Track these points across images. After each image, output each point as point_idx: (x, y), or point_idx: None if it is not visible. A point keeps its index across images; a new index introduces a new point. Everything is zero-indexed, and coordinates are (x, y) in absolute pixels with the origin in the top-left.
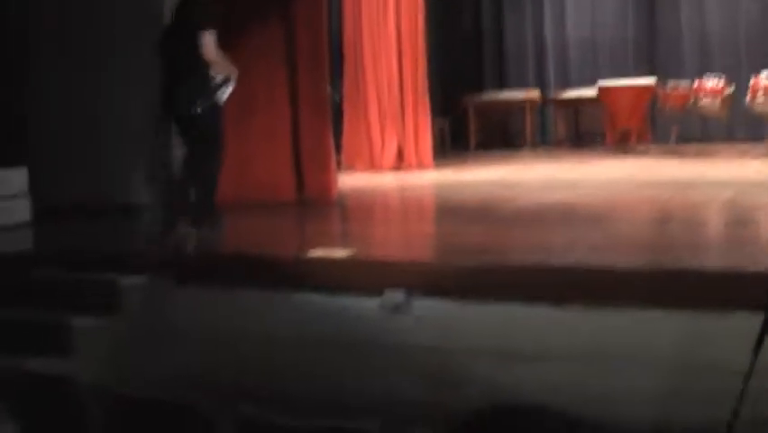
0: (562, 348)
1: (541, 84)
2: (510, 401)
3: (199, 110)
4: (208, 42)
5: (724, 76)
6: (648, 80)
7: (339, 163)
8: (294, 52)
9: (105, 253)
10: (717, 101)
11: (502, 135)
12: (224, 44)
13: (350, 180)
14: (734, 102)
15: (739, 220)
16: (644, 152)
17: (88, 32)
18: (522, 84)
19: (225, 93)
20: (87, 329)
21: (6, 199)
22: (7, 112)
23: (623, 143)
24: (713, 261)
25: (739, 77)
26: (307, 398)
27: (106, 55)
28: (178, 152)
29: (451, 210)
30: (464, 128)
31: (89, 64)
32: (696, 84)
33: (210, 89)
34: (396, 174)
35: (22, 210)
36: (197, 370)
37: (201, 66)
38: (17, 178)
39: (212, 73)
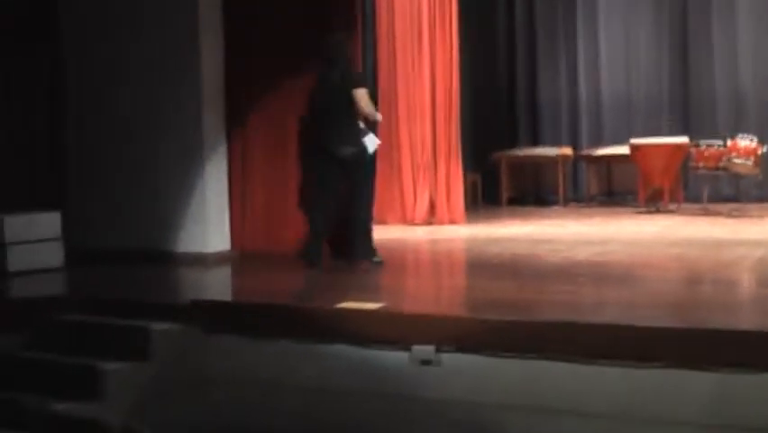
0: (592, 406)
1: (574, 141)
2: None
3: (349, 153)
4: (363, 97)
5: (757, 136)
6: (681, 139)
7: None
8: None
9: (137, 300)
10: (751, 161)
11: (534, 191)
12: (258, 101)
13: (382, 234)
14: (766, 162)
15: None
16: (676, 211)
17: (132, 78)
18: (555, 141)
19: (373, 143)
20: (117, 374)
21: (39, 243)
22: (46, 156)
23: (654, 202)
24: (744, 321)
25: None
26: None
27: (148, 103)
28: None
29: (481, 265)
30: (496, 183)
31: (131, 110)
32: (729, 143)
33: (358, 137)
34: (427, 228)
35: (54, 254)
36: (226, 418)
37: (351, 115)
38: (50, 222)
39: (361, 124)
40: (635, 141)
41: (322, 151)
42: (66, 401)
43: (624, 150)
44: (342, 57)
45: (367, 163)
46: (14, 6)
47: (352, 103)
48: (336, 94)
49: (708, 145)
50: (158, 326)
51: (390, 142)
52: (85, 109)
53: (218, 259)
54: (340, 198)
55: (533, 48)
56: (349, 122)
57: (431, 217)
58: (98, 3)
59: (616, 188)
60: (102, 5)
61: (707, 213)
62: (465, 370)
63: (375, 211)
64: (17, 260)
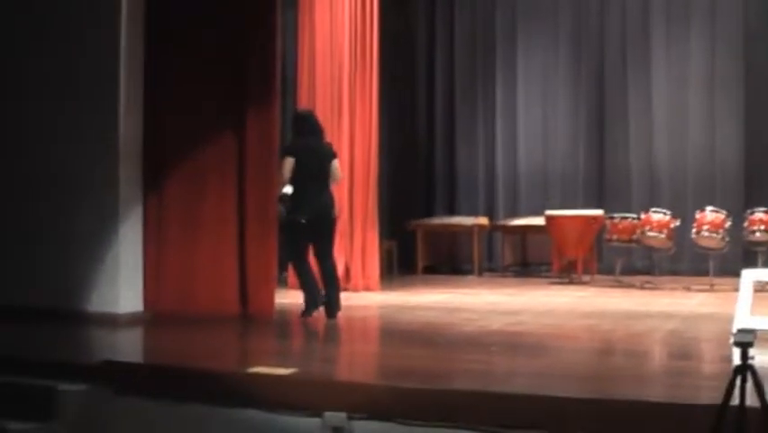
0: None
1: (490, 211)
2: None
3: (336, 215)
4: (338, 165)
5: (670, 210)
6: (595, 211)
7: (285, 281)
8: (244, 170)
9: (44, 359)
10: (663, 234)
11: (449, 260)
12: (175, 161)
13: (297, 298)
14: (679, 236)
15: (681, 352)
16: (589, 283)
17: (48, 135)
18: (471, 211)
19: None
20: None
21: None
22: None
23: (568, 273)
24: (654, 392)
25: (685, 211)
26: None
27: (64, 160)
28: None
29: (394, 333)
30: (412, 251)
31: (46, 168)
32: (643, 217)
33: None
34: (342, 295)
35: None
36: None
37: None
38: None
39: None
40: (549, 212)
41: (317, 215)
42: None
43: (539, 221)
44: (321, 128)
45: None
46: None
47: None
48: (326, 162)
49: (623, 218)
50: (66, 386)
51: None
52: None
53: (130, 320)
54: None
55: (451, 118)
56: (329, 186)
57: (345, 284)
58: (18, 69)
59: (530, 259)
60: (22, 71)
61: (620, 285)
62: None
63: (290, 277)
64: None
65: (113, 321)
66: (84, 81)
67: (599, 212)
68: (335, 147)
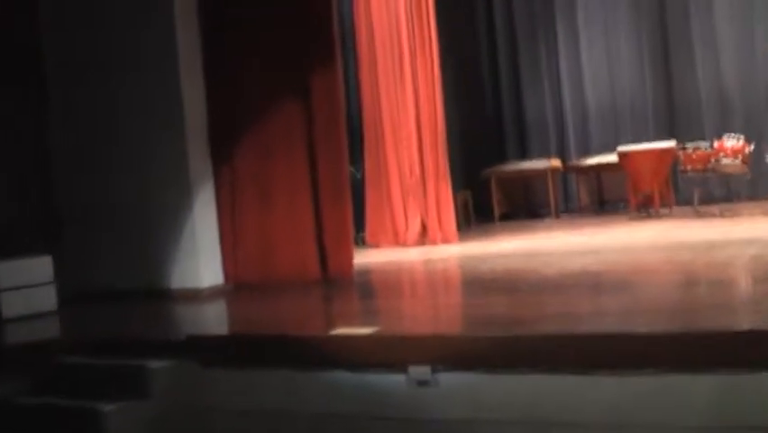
0: (593, 417)
1: (562, 153)
2: None
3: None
4: None
5: (743, 134)
6: (668, 143)
7: (363, 240)
8: (312, 131)
9: (133, 339)
10: (738, 160)
11: (525, 205)
12: (242, 132)
13: (374, 257)
14: (755, 160)
15: (765, 276)
16: (668, 216)
17: (116, 120)
18: (543, 154)
19: None
20: (117, 414)
21: (31, 288)
22: (36, 200)
23: (645, 208)
24: (741, 320)
25: (759, 134)
26: None
27: (133, 143)
28: None
29: (476, 282)
30: (487, 200)
31: (116, 152)
32: (716, 144)
33: None
34: (420, 249)
35: (47, 298)
36: None
37: None
38: (42, 266)
39: None
40: (622, 148)
41: None
42: None
43: (612, 158)
44: None
45: None
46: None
47: None
48: None
49: (696, 148)
50: (155, 363)
51: (378, 168)
52: (70, 154)
53: (213, 293)
54: None
55: (515, 63)
56: None
57: (423, 238)
58: (81, 48)
59: (607, 197)
60: (84, 51)
61: (699, 215)
62: (464, 389)
63: (368, 234)
64: (11, 305)
65: (195, 296)
66: (145, 56)
67: (672, 143)
68: (400, 105)
